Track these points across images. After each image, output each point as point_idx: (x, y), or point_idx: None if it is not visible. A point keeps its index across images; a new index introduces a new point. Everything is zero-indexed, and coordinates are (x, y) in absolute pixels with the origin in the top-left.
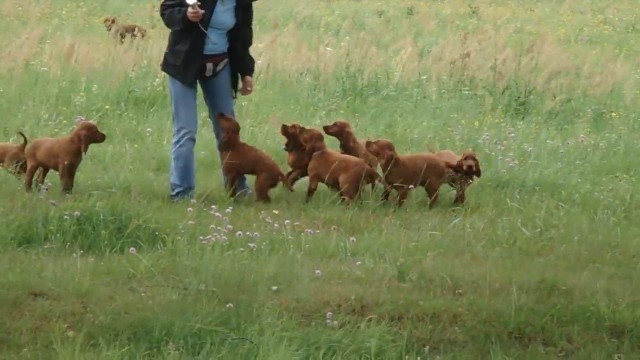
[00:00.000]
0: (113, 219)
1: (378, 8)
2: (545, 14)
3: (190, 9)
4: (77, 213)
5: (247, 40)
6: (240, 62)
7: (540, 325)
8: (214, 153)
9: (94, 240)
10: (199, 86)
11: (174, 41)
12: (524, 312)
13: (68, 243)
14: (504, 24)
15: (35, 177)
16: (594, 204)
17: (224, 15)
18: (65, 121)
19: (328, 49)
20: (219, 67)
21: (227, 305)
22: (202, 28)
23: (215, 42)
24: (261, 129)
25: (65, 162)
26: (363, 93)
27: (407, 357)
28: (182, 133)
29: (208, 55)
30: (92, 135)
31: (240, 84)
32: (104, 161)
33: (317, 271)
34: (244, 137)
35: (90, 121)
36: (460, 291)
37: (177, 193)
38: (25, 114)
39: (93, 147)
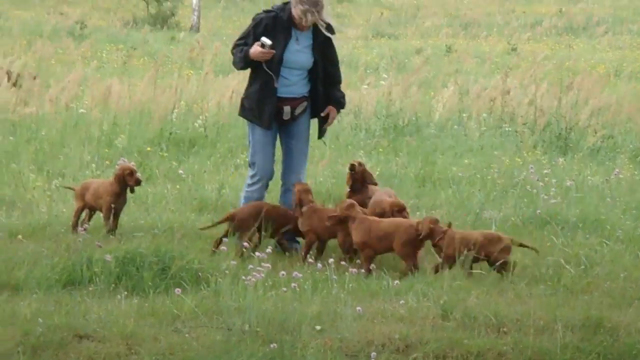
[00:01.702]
0: (157, 260)
1: (416, 46)
2: (583, 50)
3: (258, 47)
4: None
5: (333, 80)
6: (322, 103)
7: None
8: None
9: (138, 281)
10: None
11: (248, 84)
12: (569, 351)
13: (112, 285)
14: (542, 61)
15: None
16: (638, 241)
17: (300, 54)
18: (107, 162)
19: (364, 87)
20: (298, 111)
21: (271, 346)
22: (267, 69)
23: (293, 83)
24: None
25: (107, 204)
26: (404, 131)
27: None
28: (256, 178)
29: (285, 98)
30: (126, 178)
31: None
32: (146, 202)
33: (358, 308)
34: None
35: (129, 163)
36: (504, 329)
37: None
38: (67, 157)
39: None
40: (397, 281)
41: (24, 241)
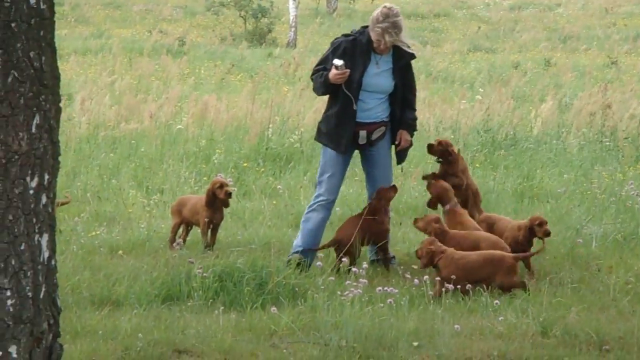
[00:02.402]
0: (254, 275)
1: (514, 60)
2: None
3: (334, 70)
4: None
5: (410, 104)
6: (400, 121)
7: None
8: (352, 208)
9: (235, 296)
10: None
11: (326, 108)
12: None
13: (210, 300)
14: None
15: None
16: None
17: (379, 78)
18: (205, 178)
19: (463, 101)
20: (375, 136)
21: None
22: (346, 91)
23: (371, 107)
24: (397, 183)
25: (204, 219)
26: (502, 146)
27: None
28: (319, 199)
29: (362, 123)
30: (216, 191)
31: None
32: (243, 218)
33: (456, 326)
34: None
35: (219, 177)
36: (607, 347)
37: (296, 252)
38: (165, 173)
39: (233, 205)
40: (497, 301)
41: (124, 257)
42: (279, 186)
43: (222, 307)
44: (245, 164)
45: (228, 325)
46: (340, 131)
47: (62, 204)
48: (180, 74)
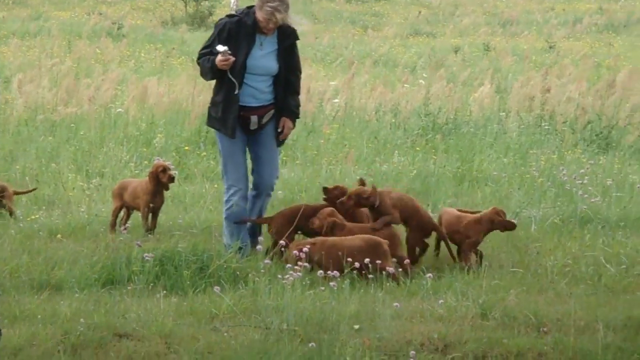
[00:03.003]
0: (195, 259)
1: (454, 44)
2: (624, 48)
3: (219, 57)
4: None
5: (293, 87)
6: (282, 107)
7: None
8: (293, 192)
9: (176, 280)
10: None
11: (213, 93)
12: (611, 351)
13: (151, 284)
14: (582, 59)
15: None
16: None
17: (264, 59)
18: (145, 162)
19: (406, 85)
20: (265, 119)
21: (310, 345)
22: (231, 77)
23: (260, 90)
24: (338, 167)
25: (145, 202)
26: (442, 130)
27: None
28: (232, 191)
29: (252, 107)
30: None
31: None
32: (184, 202)
33: (396, 304)
34: (321, 176)
35: (159, 160)
36: (544, 329)
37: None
38: (106, 156)
39: (174, 189)
40: (430, 274)
41: (64, 240)
42: (218, 169)
43: (163, 291)
44: (186, 148)
45: (169, 309)
46: (227, 115)
47: (28, 192)
48: (120, 57)
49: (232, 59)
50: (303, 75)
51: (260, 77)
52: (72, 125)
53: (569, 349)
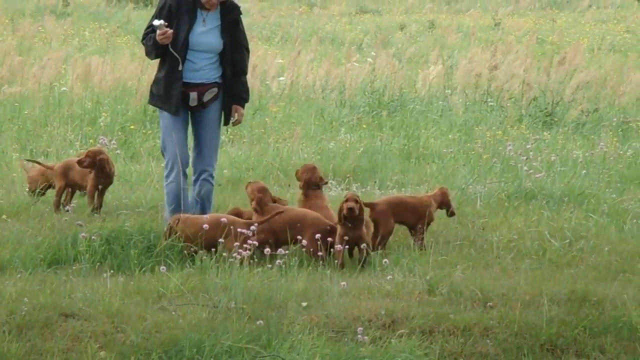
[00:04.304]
0: (142, 238)
1: (399, 22)
2: (567, 24)
3: (158, 32)
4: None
5: (239, 66)
6: (231, 91)
7: (572, 336)
8: (240, 170)
9: (123, 260)
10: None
11: (157, 71)
12: (555, 324)
13: (97, 263)
14: (526, 35)
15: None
16: (623, 214)
17: (207, 36)
18: (91, 141)
19: (355, 64)
20: (207, 98)
21: (257, 323)
22: (173, 51)
23: (201, 67)
24: (285, 145)
25: (93, 182)
26: (388, 107)
27: None
28: (170, 167)
29: (193, 84)
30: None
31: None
32: (130, 181)
33: (343, 283)
34: (268, 154)
35: (99, 146)
36: (490, 304)
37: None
38: (50, 135)
39: (119, 168)
40: (385, 260)
41: (8, 221)
42: None
43: (110, 271)
44: (131, 127)
45: (116, 289)
46: (170, 92)
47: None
48: (64, 36)
49: (170, 31)
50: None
51: (204, 55)
52: (16, 104)
53: (514, 323)
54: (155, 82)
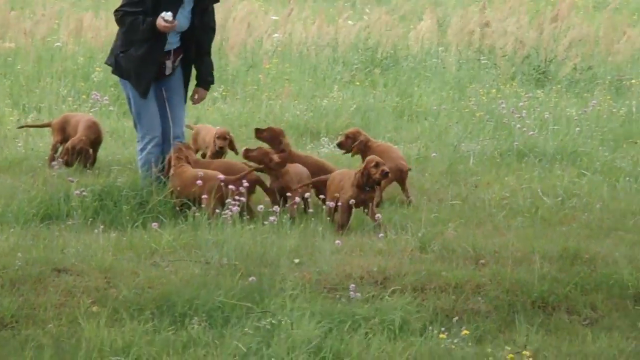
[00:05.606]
0: (134, 194)
1: None
2: None
3: (163, 22)
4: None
5: (203, 47)
6: (195, 68)
7: (563, 294)
8: (234, 127)
9: (115, 215)
10: None
11: (127, 42)
12: (547, 281)
13: (90, 219)
14: None
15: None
16: (616, 172)
17: (183, 19)
18: (84, 96)
19: (350, 22)
20: (177, 63)
21: (250, 279)
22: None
23: (170, 41)
24: (278, 102)
25: (84, 138)
26: (382, 65)
27: (431, 328)
28: (146, 139)
29: (166, 52)
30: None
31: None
32: (123, 137)
33: (337, 241)
34: (261, 111)
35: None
36: (482, 261)
37: None
38: (43, 91)
39: (112, 124)
40: (378, 214)
41: (1, 175)
42: None
43: (102, 226)
44: None
45: (108, 244)
46: (144, 74)
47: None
48: None
49: (176, 22)
50: (243, 11)
51: (173, 32)
52: (9, 59)
53: (506, 280)
54: (126, 57)
